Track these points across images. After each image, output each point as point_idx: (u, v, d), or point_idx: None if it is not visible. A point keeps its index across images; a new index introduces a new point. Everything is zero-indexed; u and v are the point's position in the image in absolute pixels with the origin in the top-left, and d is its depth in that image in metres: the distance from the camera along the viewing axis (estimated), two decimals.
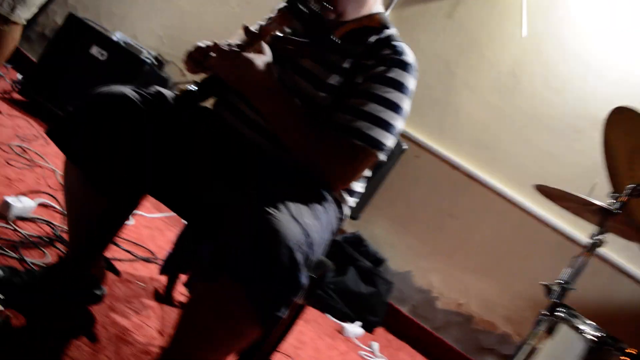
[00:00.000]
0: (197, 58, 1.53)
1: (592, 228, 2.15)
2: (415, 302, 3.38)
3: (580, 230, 3.15)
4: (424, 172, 3.35)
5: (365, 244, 3.15)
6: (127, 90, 1.39)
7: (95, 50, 3.11)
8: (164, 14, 3.72)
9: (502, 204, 3.29)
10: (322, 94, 1.42)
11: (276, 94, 1.33)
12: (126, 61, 3.12)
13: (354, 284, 2.93)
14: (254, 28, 1.78)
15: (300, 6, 1.19)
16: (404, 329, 3.30)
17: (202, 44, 1.55)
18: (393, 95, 1.40)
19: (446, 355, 3.28)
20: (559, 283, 1.78)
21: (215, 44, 1.36)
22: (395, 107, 1.40)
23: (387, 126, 1.39)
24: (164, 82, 3.45)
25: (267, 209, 1.09)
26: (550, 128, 3.28)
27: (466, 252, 3.34)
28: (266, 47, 1.34)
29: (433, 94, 3.37)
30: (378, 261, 3.15)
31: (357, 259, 3.02)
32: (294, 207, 1.17)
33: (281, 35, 1.46)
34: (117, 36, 3.25)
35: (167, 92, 1.49)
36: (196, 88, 1.42)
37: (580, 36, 3.24)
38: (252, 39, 1.31)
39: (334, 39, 1.23)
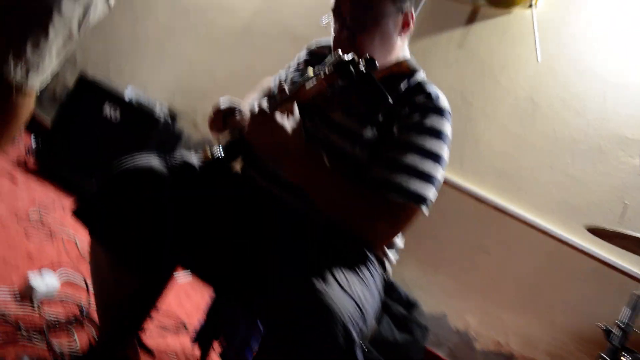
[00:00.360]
0: (220, 118, 1.48)
1: None
2: (453, 345, 3.24)
3: (618, 255, 3.03)
4: (449, 208, 3.25)
5: (397, 289, 3.03)
6: (153, 161, 1.32)
7: (108, 111, 3.08)
8: (173, 67, 3.71)
9: (533, 234, 3.17)
10: (358, 149, 1.35)
11: (308, 159, 1.25)
12: (140, 120, 3.08)
13: (389, 334, 2.80)
14: (275, 78, 1.73)
15: (351, 67, 1.09)
16: None
17: (224, 103, 1.49)
18: (431, 143, 1.33)
19: None
20: (619, 325, 1.66)
21: (249, 108, 1.29)
22: (434, 157, 1.33)
23: (428, 178, 1.31)
24: (179, 137, 3.42)
25: (317, 284, 1.01)
26: (574, 151, 3.18)
27: (501, 288, 3.21)
28: (295, 108, 1.27)
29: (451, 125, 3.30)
30: (411, 305, 3.03)
31: (389, 306, 2.90)
32: (343, 277, 1.10)
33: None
34: (128, 91, 3.21)
35: (194, 159, 1.42)
36: (222, 154, 1.36)
37: (596, 53, 3.17)
38: (286, 100, 1.23)
39: (390, 100, 1.13)
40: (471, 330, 3.23)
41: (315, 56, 1.66)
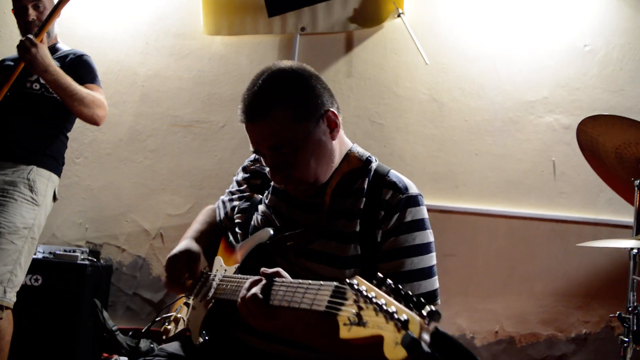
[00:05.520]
0: (180, 275, 1.41)
1: None
2: None
3: (565, 209, 3.19)
4: None
5: None
6: None
7: (27, 280, 2.80)
8: (74, 201, 3.42)
9: (486, 221, 3.25)
10: (348, 270, 1.28)
11: (320, 331, 1.13)
12: (65, 275, 2.83)
13: None
14: (218, 208, 1.63)
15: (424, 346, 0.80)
16: None
17: (176, 260, 1.39)
18: (419, 237, 1.29)
19: None
20: (632, 311, 1.71)
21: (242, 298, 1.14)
22: (426, 248, 1.30)
23: (429, 271, 1.29)
24: (109, 271, 3.20)
25: None
26: (490, 131, 3.29)
27: (477, 281, 3.26)
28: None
29: (371, 151, 3.13)
30: None
31: None
32: None
33: (276, 236, 1.32)
34: (40, 250, 2.95)
35: (171, 347, 1.31)
36: (207, 336, 1.30)
37: (475, 37, 3.30)
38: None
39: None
40: (467, 331, 3.27)
41: (254, 173, 1.56)
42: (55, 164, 2.40)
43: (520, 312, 3.24)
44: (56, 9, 2.27)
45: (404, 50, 3.31)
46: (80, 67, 2.41)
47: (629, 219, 3.05)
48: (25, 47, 2.14)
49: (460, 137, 3.29)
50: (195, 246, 1.46)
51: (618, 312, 1.78)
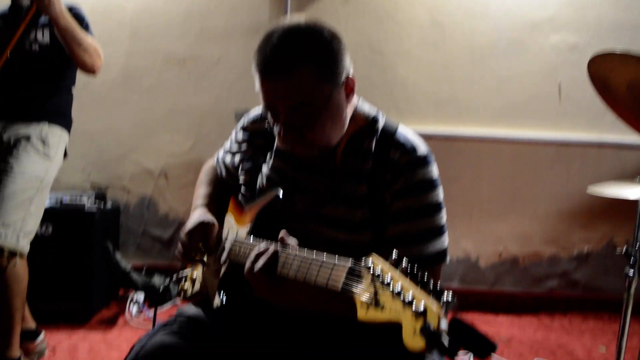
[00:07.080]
0: (195, 247, 1.40)
1: None
2: (461, 273, 3.35)
3: (568, 131, 3.16)
4: None
5: None
6: (160, 337, 1.24)
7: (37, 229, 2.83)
8: (74, 146, 3.35)
9: (489, 146, 3.23)
10: (357, 235, 1.28)
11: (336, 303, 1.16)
12: (74, 222, 2.86)
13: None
14: (218, 164, 1.61)
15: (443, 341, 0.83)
16: (462, 301, 3.27)
17: (193, 229, 1.39)
18: (428, 197, 1.27)
19: (510, 303, 3.29)
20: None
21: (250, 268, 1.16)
22: (436, 208, 1.27)
23: (439, 231, 1.27)
24: (117, 213, 3.24)
25: None
26: (495, 54, 3.19)
27: (481, 205, 3.30)
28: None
29: (373, 80, 3.22)
30: None
31: None
32: None
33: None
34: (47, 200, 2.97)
35: (191, 310, 1.35)
36: (225, 297, 1.33)
37: None
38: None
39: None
40: (471, 253, 3.34)
41: (254, 134, 1.51)
42: (65, 121, 2.43)
43: (524, 233, 3.29)
44: None
45: None
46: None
47: (634, 139, 3.03)
48: None
49: (464, 61, 3.20)
50: (208, 216, 1.44)
51: (625, 246, 1.80)
